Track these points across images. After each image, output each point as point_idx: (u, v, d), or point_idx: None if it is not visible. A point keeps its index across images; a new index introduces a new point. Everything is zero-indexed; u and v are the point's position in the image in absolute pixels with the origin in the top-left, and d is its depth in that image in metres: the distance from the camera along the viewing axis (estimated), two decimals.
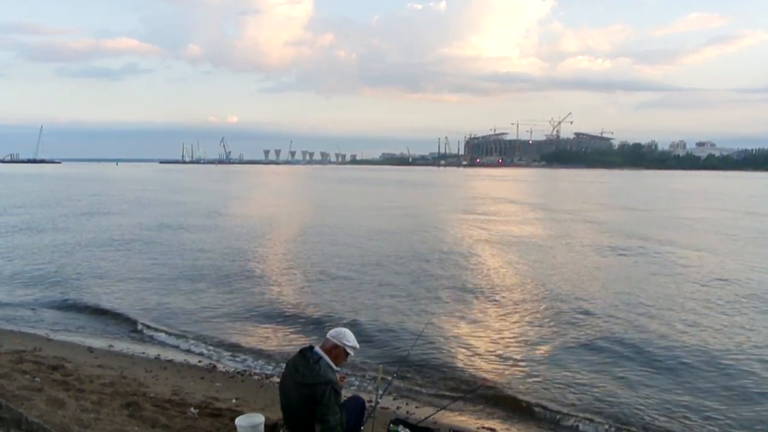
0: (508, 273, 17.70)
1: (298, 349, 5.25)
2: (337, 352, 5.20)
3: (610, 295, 14.56)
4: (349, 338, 5.25)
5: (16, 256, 19.87)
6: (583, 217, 35.29)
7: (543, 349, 10.49)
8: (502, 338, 11.22)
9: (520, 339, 11.13)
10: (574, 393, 8.64)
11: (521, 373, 9.43)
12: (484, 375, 9.36)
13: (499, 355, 10.29)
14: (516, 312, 13.04)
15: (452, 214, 37.25)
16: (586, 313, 12.93)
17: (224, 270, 17.85)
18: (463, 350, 10.54)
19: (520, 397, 8.53)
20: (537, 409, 8.14)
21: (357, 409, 5.39)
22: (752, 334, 11.35)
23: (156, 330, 11.77)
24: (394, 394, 8.34)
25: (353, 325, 11.54)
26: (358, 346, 5.35)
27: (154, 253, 20.95)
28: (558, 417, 7.92)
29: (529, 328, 11.86)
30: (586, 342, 10.88)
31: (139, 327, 11.98)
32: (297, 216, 37.27)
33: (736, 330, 11.66)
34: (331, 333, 5.29)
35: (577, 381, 9.07)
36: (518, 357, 10.16)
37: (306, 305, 13.65)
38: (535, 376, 9.29)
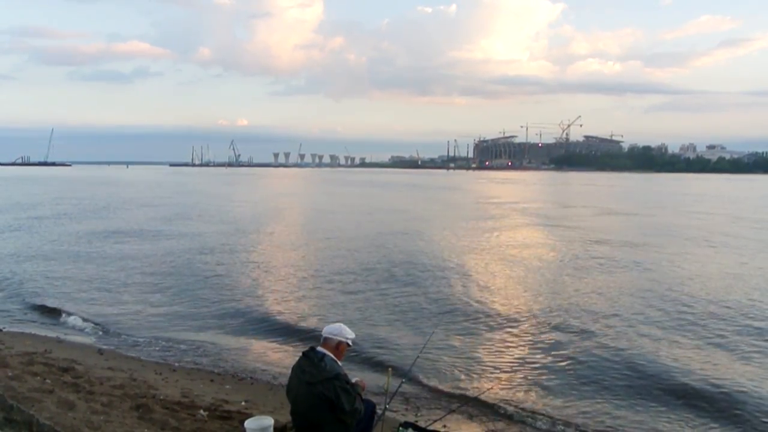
0: (518, 280, 17.63)
1: (301, 353, 5.26)
2: (342, 347, 5.27)
3: (618, 307, 14.43)
4: (348, 332, 5.32)
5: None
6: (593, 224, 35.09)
7: (552, 357, 10.39)
8: (512, 343, 11.16)
9: (530, 345, 11.06)
10: (580, 406, 8.55)
11: (530, 379, 9.37)
12: (493, 379, 9.32)
13: (508, 360, 10.24)
14: (526, 318, 12.95)
15: (466, 221, 37.16)
16: (595, 321, 12.86)
17: (233, 275, 17.91)
18: (472, 354, 10.49)
19: (528, 403, 8.49)
20: (543, 416, 8.08)
21: (367, 412, 5.38)
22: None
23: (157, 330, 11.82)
24: (403, 398, 8.32)
25: (364, 329, 11.54)
26: (354, 335, 5.41)
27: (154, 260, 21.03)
28: (563, 426, 7.85)
29: (539, 334, 11.77)
30: (596, 352, 10.75)
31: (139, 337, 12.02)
32: (306, 219, 37.33)
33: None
34: (331, 331, 5.28)
35: (585, 390, 8.99)
36: (527, 363, 10.10)
37: (316, 309, 13.66)
38: (544, 383, 9.22)
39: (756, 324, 12.25)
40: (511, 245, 24.65)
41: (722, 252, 22.73)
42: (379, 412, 5.71)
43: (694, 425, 7.84)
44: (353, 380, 5.25)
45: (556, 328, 12.06)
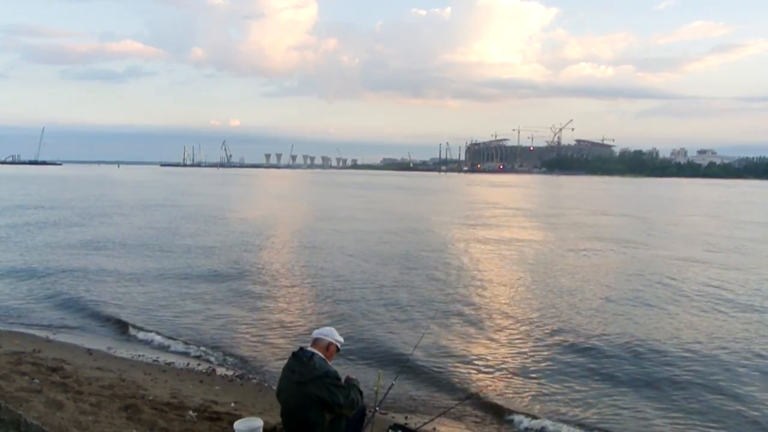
0: (508, 283, 17.67)
1: (290, 353, 5.29)
2: (332, 348, 5.36)
3: (611, 310, 14.51)
4: (337, 334, 5.45)
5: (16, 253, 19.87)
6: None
7: (540, 359, 10.41)
8: (501, 346, 11.20)
9: (518, 348, 11.08)
10: (569, 405, 8.59)
11: (518, 383, 9.40)
12: (482, 382, 9.35)
13: (497, 363, 10.27)
14: (515, 322, 12.97)
15: (455, 224, 37.20)
16: (585, 324, 12.92)
17: (224, 276, 17.89)
18: (461, 357, 10.53)
19: (517, 406, 8.52)
20: (532, 417, 8.10)
21: (357, 414, 5.40)
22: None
23: (150, 332, 11.79)
24: (393, 400, 8.33)
25: (353, 332, 11.56)
26: (343, 340, 5.55)
27: (154, 255, 20.95)
28: (553, 426, 7.87)
29: (527, 337, 11.79)
30: (584, 354, 10.76)
31: (131, 331, 11.95)
32: (298, 223, 37.28)
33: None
34: (322, 333, 5.39)
35: (574, 394, 9.00)
36: (516, 366, 10.11)
37: (306, 311, 13.68)
38: (534, 384, 9.27)
39: None
40: (501, 247, 24.72)
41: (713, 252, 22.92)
42: (369, 414, 5.72)
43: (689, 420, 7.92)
44: (343, 377, 5.31)
45: (546, 329, 12.11)
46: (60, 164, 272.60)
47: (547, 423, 7.90)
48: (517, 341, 11.40)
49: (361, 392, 5.31)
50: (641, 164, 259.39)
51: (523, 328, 12.23)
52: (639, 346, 10.99)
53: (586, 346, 11.06)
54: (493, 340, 11.50)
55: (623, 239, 27.25)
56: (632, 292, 15.74)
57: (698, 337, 11.61)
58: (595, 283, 16.88)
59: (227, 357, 10.47)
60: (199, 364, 9.99)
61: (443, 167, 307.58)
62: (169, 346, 11.04)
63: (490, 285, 16.77)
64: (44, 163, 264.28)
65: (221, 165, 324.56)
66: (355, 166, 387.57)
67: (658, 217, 42.21)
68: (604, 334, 11.77)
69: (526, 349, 10.89)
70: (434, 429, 7.12)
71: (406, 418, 7.73)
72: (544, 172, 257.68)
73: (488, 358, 10.47)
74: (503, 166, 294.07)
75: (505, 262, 21.25)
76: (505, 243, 26.36)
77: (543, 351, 10.78)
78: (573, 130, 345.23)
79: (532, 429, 7.84)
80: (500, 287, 16.46)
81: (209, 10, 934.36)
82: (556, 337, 11.57)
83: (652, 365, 10.03)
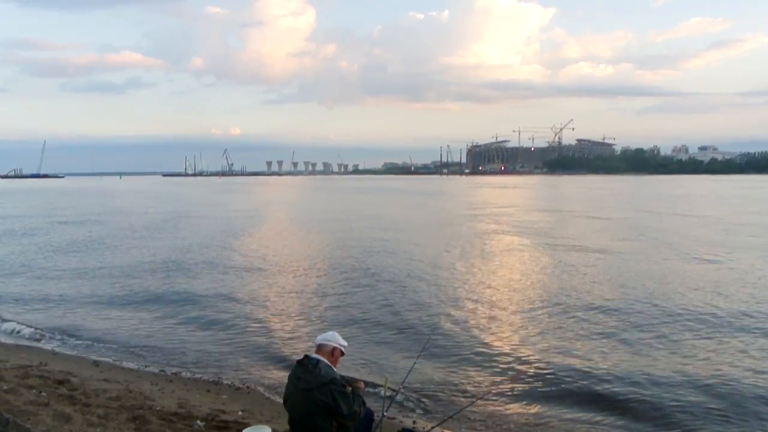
0: (514, 286, 17.64)
1: (296, 361, 5.29)
2: (336, 353, 5.33)
3: (614, 316, 14.44)
4: (341, 339, 5.42)
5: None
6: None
7: (549, 364, 10.31)
8: (508, 349, 11.13)
9: (526, 353, 10.96)
10: (576, 409, 8.54)
11: (526, 386, 9.33)
12: (490, 385, 9.32)
13: (504, 366, 10.21)
14: (522, 325, 12.93)
15: (453, 228, 37.18)
16: (592, 332, 12.88)
17: (227, 286, 17.89)
18: (468, 360, 10.49)
19: (525, 409, 8.50)
20: (538, 423, 8.06)
21: (365, 420, 5.40)
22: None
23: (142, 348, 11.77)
24: (401, 404, 8.33)
25: (360, 337, 11.55)
26: (347, 343, 5.53)
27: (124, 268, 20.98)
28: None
29: (536, 342, 11.67)
30: (593, 359, 10.73)
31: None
32: (299, 226, 37.29)
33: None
34: (325, 338, 5.37)
35: (582, 398, 8.91)
36: (524, 370, 10.04)
37: (311, 318, 13.63)
38: (540, 390, 9.19)
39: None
40: (504, 253, 24.72)
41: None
42: (377, 419, 5.71)
43: None
44: (353, 382, 5.30)
45: (552, 335, 12.05)
46: (62, 177, 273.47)
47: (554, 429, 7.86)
48: (525, 348, 11.28)
49: (364, 403, 5.28)
50: (643, 162, 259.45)
51: (531, 335, 12.11)
52: (637, 369, 10.66)
53: (588, 367, 10.67)
54: (500, 346, 11.40)
55: (627, 250, 26.98)
56: (633, 308, 15.53)
57: (693, 360, 10.70)
58: (598, 294, 16.62)
59: (232, 366, 10.45)
60: (205, 374, 9.99)
61: (444, 170, 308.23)
62: (171, 358, 11.03)
63: (496, 293, 16.69)
64: (46, 176, 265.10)
65: (223, 174, 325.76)
66: (356, 171, 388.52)
67: (665, 220, 42.13)
68: (607, 351, 11.57)
69: (534, 357, 10.70)
70: None
71: (414, 422, 7.71)
72: (546, 173, 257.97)
73: (496, 364, 10.37)
74: (505, 167, 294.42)
75: (511, 267, 21.22)
76: (504, 249, 26.35)
77: (550, 358, 10.64)
78: (573, 129, 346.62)
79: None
80: (507, 296, 16.38)
81: (207, 19, 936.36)
82: (563, 345, 11.43)
83: (654, 390, 9.72)
